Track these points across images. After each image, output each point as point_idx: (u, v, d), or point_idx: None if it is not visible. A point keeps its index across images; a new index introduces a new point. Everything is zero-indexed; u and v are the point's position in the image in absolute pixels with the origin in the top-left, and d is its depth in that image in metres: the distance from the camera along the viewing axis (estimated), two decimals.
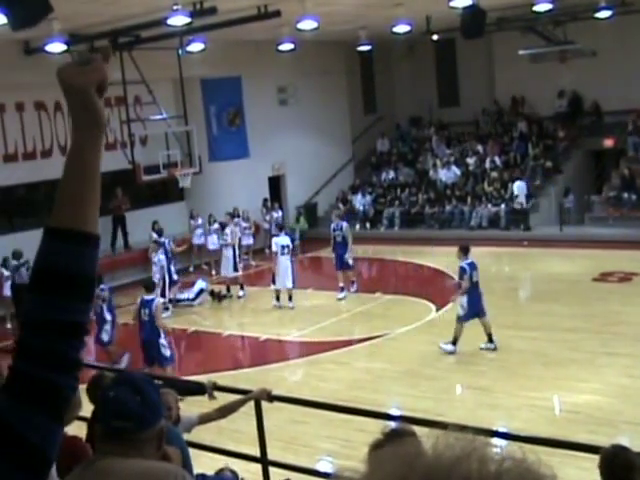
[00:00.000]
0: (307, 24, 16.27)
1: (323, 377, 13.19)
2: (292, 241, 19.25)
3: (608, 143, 25.15)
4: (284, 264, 17.59)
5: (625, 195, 23.35)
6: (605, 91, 24.96)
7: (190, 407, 7.24)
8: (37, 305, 1.48)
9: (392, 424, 5.73)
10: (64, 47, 15.75)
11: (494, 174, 25.39)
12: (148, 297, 12.65)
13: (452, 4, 16.61)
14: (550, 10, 19.46)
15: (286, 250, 17.65)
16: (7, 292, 17.84)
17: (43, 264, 1.49)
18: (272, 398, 6.54)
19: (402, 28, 19.67)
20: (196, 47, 19.25)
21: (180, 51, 19.46)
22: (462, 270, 13.44)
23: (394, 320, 15.95)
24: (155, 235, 19.64)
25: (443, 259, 20.26)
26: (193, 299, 18.81)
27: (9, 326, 17.60)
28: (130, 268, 20.87)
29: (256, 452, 6.78)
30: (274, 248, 17.79)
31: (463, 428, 0.99)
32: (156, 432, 2.41)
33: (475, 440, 0.95)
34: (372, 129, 29.47)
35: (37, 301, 1.48)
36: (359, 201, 26.70)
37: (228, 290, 19.27)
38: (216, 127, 23.77)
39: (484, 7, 17.11)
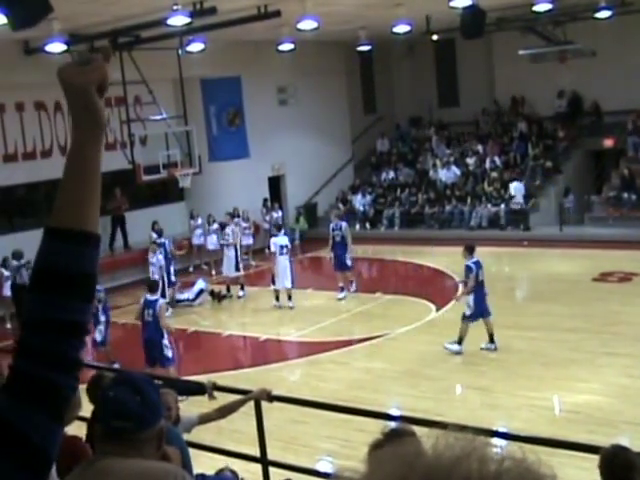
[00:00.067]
0: (307, 24, 16.26)
1: (323, 377, 13.19)
2: (291, 241, 19.24)
3: (608, 143, 25.14)
4: (283, 264, 17.59)
5: (625, 195, 23.34)
6: (605, 91, 24.93)
7: (190, 407, 7.25)
8: (37, 305, 1.48)
9: (392, 424, 5.73)
10: (64, 47, 15.75)
11: (494, 174, 25.39)
12: (152, 297, 12.59)
13: (452, 4, 16.61)
14: (550, 10, 19.46)
15: (285, 250, 17.65)
16: (7, 292, 17.86)
17: (43, 264, 1.49)
18: (272, 398, 6.53)
19: (402, 28, 19.65)
20: (196, 47, 19.24)
21: (180, 51, 19.44)
22: (468, 269, 13.37)
23: (394, 320, 15.95)
24: (155, 235, 19.63)
25: (443, 259, 20.28)
26: (193, 299, 18.81)
27: (9, 326, 17.59)
28: (130, 268, 20.88)
29: (256, 452, 6.77)
30: (273, 248, 17.77)
31: (463, 428, 0.99)
32: (156, 432, 2.41)
33: (475, 440, 0.95)
34: (372, 129, 29.45)
35: (37, 301, 1.48)
36: (359, 201, 26.69)
37: (228, 290, 19.27)
38: (216, 127, 23.77)
39: (484, 7, 17.12)
